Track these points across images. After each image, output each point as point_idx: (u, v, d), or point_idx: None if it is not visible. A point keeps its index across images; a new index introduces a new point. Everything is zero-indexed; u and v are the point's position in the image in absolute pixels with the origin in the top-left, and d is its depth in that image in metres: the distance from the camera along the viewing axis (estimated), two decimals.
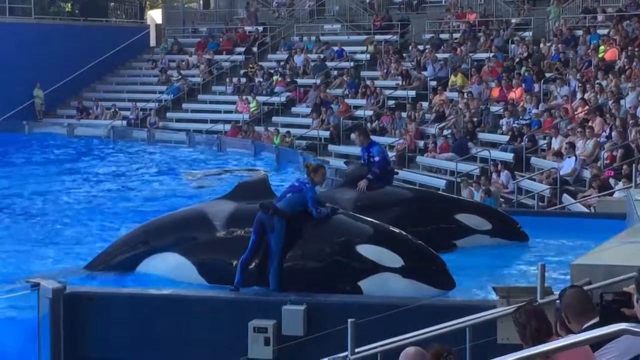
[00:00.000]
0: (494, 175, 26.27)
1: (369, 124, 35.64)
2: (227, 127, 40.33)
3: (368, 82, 38.96)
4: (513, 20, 39.74)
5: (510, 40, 37.50)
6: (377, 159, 15.84)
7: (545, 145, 27.65)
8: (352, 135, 17.06)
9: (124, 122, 44.23)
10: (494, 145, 29.96)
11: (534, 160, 27.32)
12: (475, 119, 31.82)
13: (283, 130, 37.86)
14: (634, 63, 29.93)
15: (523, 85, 32.58)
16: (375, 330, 10.58)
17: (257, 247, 13.02)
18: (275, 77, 42.95)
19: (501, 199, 24.44)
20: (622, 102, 27.36)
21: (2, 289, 13.12)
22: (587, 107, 28.14)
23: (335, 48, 43.54)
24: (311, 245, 13.23)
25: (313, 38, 45.49)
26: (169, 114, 44.36)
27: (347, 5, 46.22)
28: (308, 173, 13.39)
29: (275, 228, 12.89)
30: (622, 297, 5.02)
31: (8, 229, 21.48)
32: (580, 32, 35.66)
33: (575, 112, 28.40)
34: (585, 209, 21.64)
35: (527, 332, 6.13)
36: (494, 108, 32.24)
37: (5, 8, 47.71)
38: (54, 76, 45.71)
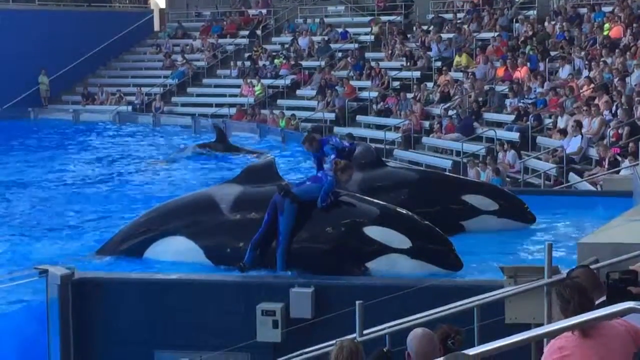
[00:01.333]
0: (500, 155, 26.25)
1: (374, 106, 35.64)
2: (233, 110, 40.35)
3: (373, 64, 38.90)
4: None
5: (514, 19, 37.40)
6: (332, 156, 15.49)
7: (551, 124, 27.60)
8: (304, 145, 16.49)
9: (129, 108, 44.26)
10: (499, 125, 29.92)
11: (539, 139, 27.28)
12: (480, 99, 31.78)
13: (288, 113, 37.86)
14: (639, 40, 29.84)
15: (528, 64, 32.50)
16: (384, 312, 10.60)
17: (269, 228, 13.07)
18: (279, 60, 42.90)
19: (507, 179, 24.43)
20: (627, 79, 27.30)
21: (11, 276, 13.15)
22: (592, 85, 28.08)
23: (340, 30, 43.48)
24: (319, 227, 13.26)
25: (317, 20, 45.42)
26: (174, 99, 44.38)
27: None
28: (335, 170, 13.39)
29: (285, 211, 12.94)
30: (628, 276, 5.02)
31: (15, 216, 21.52)
32: (584, 10, 35.56)
33: (581, 91, 28.34)
34: (592, 187, 21.63)
35: (570, 307, 6.06)
36: (499, 88, 32.19)
37: None
38: (58, 62, 45.73)
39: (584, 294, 5.98)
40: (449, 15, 40.92)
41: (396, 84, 36.95)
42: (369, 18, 43.90)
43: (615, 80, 27.45)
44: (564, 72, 30.62)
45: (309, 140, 16.01)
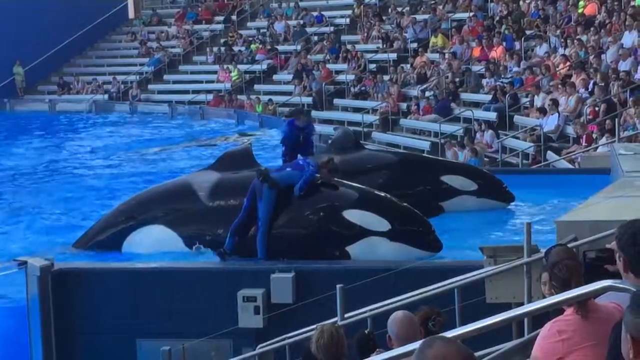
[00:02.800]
0: (478, 135, 26.28)
1: (351, 89, 35.60)
2: (209, 97, 40.24)
3: (349, 47, 38.85)
4: None
5: None
6: (312, 138, 15.51)
7: (528, 103, 27.65)
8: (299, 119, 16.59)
9: (106, 96, 44.08)
10: (476, 105, 29.94)
11: (517, 118, 27.32)
12: (457, 80, 31.80)
13: (265, 98, 37.80)
14: (614, 17, 29.91)
15: (504, 43, 32.54)
16: (365, 295, 10.62)
17: (249, 213, 13.04)
18: (255, 45, 42.80)
19: (486, 159, 24.47)
20: (602, 56, 27.36)
21: None
22: (568, 63, 28.13)
23: (315, 13, 43.40)
24: (298, 212, 13.25)
25: (292, 4, 45.31)
26: (150, 86, 44.21)
27: None
28: (322, 166, 13.38)
29: (264, 196, 12.91)
30: (604, 254, 5.03)
31: None
32: None
33: (557, 69, 28.39)
34: (569, 165, 21.70)
35: (569, 288, 6.01)
36: (475, 68, 32.21)
37: None
38: (33, 52, 45.47)
39: (580, 274, 5.97)
40: None
41: (373, 66, 36.91)
42: (344, 2, 43.80)
43: (591, 57, 27.50)
44: (540, 50, 30.65)
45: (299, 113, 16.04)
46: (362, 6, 42.18)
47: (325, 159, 13.67)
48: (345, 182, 13.86)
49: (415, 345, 4.27)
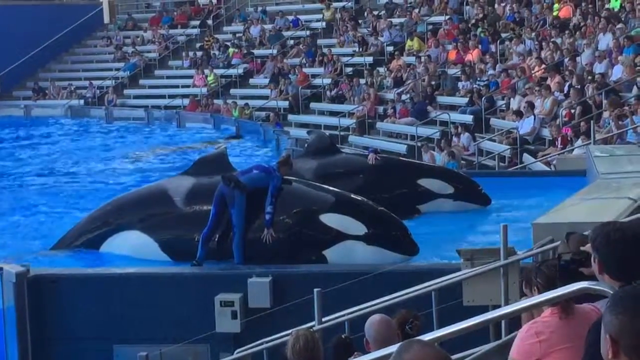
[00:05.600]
0: (455, 138, 26.34)
1: (327, 92, 35.61)
2: (186, 101, 40.17)
3: (325, 50, 38.87)
4: None
5: (464, 2, 37.48)
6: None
7: (504, 105, 27.74)
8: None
9: (81, 101, 43.92)
10: (453, 108, 30.01)
11: (493, 121, 27.40)
12: (433, 83, 31.86)
13: (241, 102, 37.74)
14: (589, 20, 30.04)
15: (479, 46, 32.62)
16: (342, 299, 10.61)
17: (218, 221, 13.00)
18: (231, 50, 42.75)
19: (462, 161, 24.52)
20: (578, 59, 27.48)
21: None
22: (543, 66, 28.23)
23: (291, 17, 43.39)
24: (275, 216, 13.22)
25: (268, 8, 45.28)
26: (126, 91, 44.07)
27: None
28: (278, 164, 13.42)
29: (236, 202, 12.88)
30: (580, 257, 5.04)
31: None
32: None
33: (533, 72, 28.49)
34: (545, 168, 21.77)
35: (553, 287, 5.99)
36: (451, 71, 32.27)
37: None
38: (8, 58, 45.20)
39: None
40: (401, 0, 40.89)
41: (349, 70, 36.94)
42: (319, 5, 43.83)
43: (566, 60, 27.61)
44: (516, 53, 30.72)
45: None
46: (337, 10, 42.19)
47: (282, 157, 13.78)
48: (321, 185, 13.86)
49: (393, 348, 4.27)
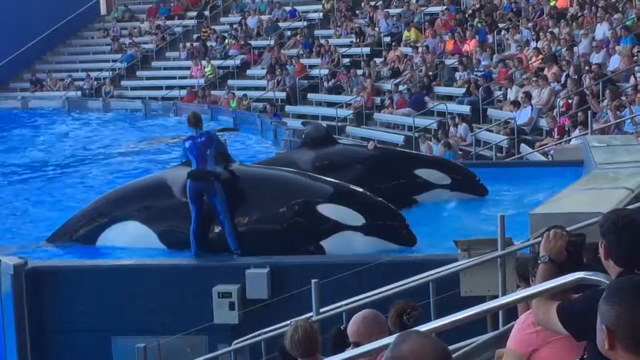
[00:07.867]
0: (452, 129, 26.33)
1: (325, 83, 35.59)
2: (183, 93, 40.13)
3: (322, 41, 38.83)
4: None
5: None
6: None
7: (501, 96, 27.73)
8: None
9: (79, 93, 43.88)
10: (450, 98, 30.00)
11: (490, 111, 27.39)
12: (430, 73, 31.84)
13: (239, 93, 37.71)
14: (586, 10, 30.02)
15: (477, 37, 32.59)
16: (340, 290, 10.63)
17: (201, 215, 13.01)
18: (228, 41, 42.70)
19: (459, 152, 24.53)
20: (575, 49, 27.47)
21: None
22: (540, 56, 28.22)
23: (288, 8, 43.34)
24: (272, 207, 13.25)
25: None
26: (123, 82, 44.04)
27: None
28: (195, 123, 13.39)
29: (217, 191, 12.91)
30: (578, 239, 5.03)
31: None
32: None
33: (530, 62, 28.48)
34: (543, 158, 21.78)
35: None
36: (448, 61, 32.26)
37: None
38: (4, 49, 45.16)
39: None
40: None
41: (346, 60, 36.92)
42: None
43: (563, 50, 27.61)
44: (513, 43, 30.71)
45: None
46: (333, 0, 42.13)
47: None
48: (319, 176, 13.86)
49: (390, 339, 4.28)
